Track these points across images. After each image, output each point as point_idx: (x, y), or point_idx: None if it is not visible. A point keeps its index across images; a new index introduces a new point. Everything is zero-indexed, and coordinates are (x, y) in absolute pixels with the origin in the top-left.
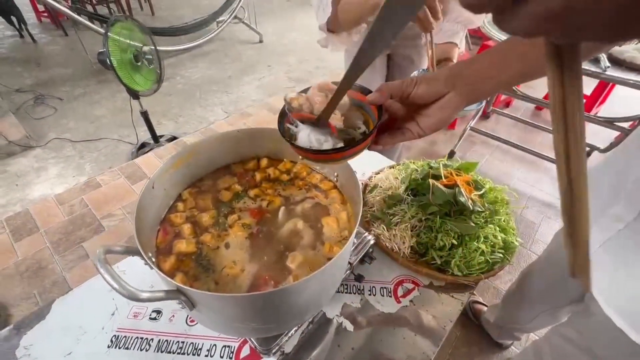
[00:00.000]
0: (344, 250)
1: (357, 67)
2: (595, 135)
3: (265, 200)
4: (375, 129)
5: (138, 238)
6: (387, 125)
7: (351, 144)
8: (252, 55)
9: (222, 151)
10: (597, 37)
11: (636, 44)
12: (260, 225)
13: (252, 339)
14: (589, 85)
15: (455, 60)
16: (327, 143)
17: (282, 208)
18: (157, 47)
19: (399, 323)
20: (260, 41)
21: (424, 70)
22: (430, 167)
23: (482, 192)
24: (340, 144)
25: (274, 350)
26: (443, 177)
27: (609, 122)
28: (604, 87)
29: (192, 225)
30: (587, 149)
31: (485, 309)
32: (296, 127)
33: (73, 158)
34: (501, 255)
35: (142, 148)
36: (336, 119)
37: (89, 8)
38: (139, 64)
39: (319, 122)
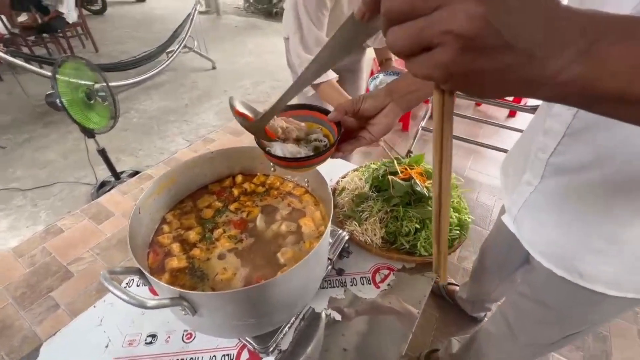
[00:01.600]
0: (323, 240)
1: (295, 89)
2: (522, 121)
3: (245, 211)
4: (337, 139)
5: (135, 257)
6: (344, 136)
7: (319, 153)
8: (206, 83)
9: (199, 173)
10: (477, 95)
11: None
12: (245, 233)
13: (250, 340)
14: None
15: (393, 59)
16: (300, 154)
17: (259, 215)
18: (109, 83)
19: (381, 306)
20: (214, 68)
21: (375, 76)
22: (387, 166)
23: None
24: (311, 154)
25: (271, 349)
26: (399, 172)
27: (532, 108)
28: None
29: (180, 243)
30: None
31: (457, 288)
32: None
33: (25, 207)
34: (457, 232)
35: (102, 187)
36: (300, 132)
37: (25, 50)
38: (92, 101)
39: (259, 125)
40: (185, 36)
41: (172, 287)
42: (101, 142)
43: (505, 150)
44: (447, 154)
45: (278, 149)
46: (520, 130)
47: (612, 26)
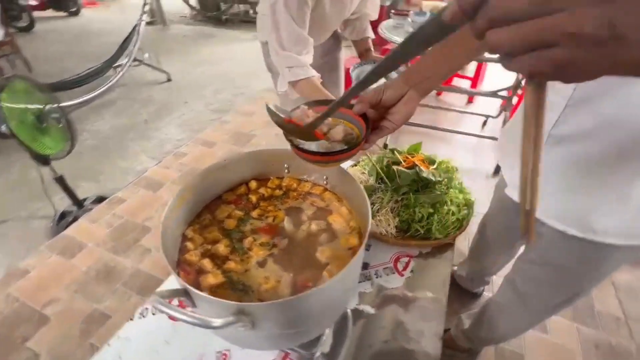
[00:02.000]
0: (364, 239)
1: (351, 94)
2: (488, 105)
3: (270, 216)
4: (369, 130)
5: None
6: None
7: (352, 146)
8: (163, 96)
9: (213, 183)
10: (577, 81)
11: None
12: (277, 238)
13: (295, 348)
14: (471, 68)
15: (372, 49)
16: (334, 149)
17: (285, 218)
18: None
19: (408, 293)
20: (169, 80)
21: (357, 65)
22: (388, 157)
23: (435, 165)
24: (345, 147)
25: (317, 354)
26: (402, 162)
27: (494, 93)
28: (480, 66)
29: (210, 258)
30: (484, 118)
31: (455, 267)
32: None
33: None
34: (466, 211)
35: (62, 218)
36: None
37: None
38: (45, 125)
39: (310, 129)
40: (134, 49)
41: (232, 302)
42: (57, 169)
43: (471, 134)
44: (540, 138)
45: (313, 144)
46: (479, 114)
47: None
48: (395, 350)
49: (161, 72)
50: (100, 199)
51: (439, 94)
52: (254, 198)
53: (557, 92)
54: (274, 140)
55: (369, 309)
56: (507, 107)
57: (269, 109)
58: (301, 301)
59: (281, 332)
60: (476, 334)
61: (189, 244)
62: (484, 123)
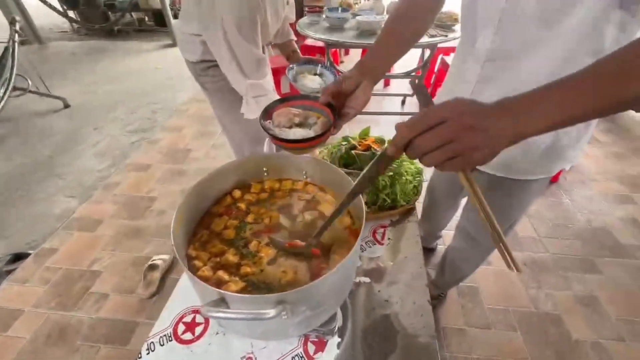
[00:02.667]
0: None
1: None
2: (403, 86)
3: (265, 218)
4: (335, 119)
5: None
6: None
7: (324, 132)
8: (65, 125)
9: (200, 200)
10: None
11: None
12: (279, 235)
13: (316, 327)
14: None
15: (298, 49)
16: (310, 135)
17: (280, 216)
18: None
19: (391, 258)
20: (67, 106)
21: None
22: (343, 144)
23: (386, 144)
24: (320, 132)
25: (335, 329)
26: (357, 146)
27: (406, 74)
28: None
29: (223, 269)
30: (402, 97)
31: None
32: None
33: None
34: (419, 178)
35: None
36: (296, 117)
37: None
38: None
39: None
40: (10, 76)
41: (272, 295)
42: None
43: (394, 113)
44: (483, 199)
45: (290, 134)
46: (398, 95)
47: (519, 109)
48: (394, 307)
49: (54, 99)
50: (17, 257)
51: (387, 82)
52: (243, 205)
53: (470, 71)
54: (213, 151)
55: (365, 279)
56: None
57: (263, 125)
58: (326, 281)
59: (312, 313)
60: (442, 280)
61: (197, 262)
62: (403, 102)
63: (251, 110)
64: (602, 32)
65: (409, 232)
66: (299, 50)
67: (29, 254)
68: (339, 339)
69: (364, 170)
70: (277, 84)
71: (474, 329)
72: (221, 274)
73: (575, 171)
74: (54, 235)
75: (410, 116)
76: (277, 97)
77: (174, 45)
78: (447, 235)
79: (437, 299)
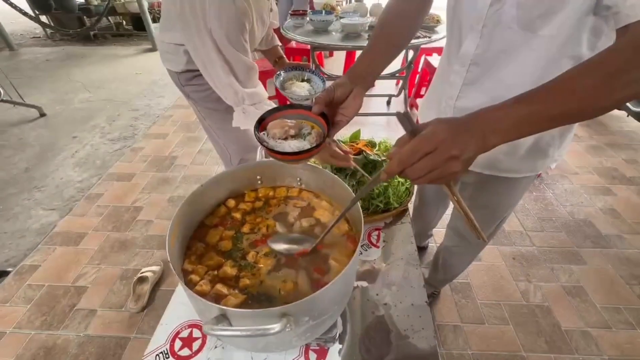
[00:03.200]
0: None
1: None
2: (388, 87)
3: (262, 227)
4: (329, 126)
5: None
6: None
7: (319, 143)
8: (41, 134)
9: (194, 211)
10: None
11: None
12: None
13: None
14: None
15: (284, 55)
16: (305, 147)
17: (277, 224)
18: None
19: (387, 260)
20: (42, 114)
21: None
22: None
23: (377, 147)
24: (308, 146)
25: (336, 336)
26: (349, 150)
27: (392, 75)
28: None
29: (222, 282)
30: (387, 98)
31: None
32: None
33: None
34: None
35: None
36: (291, 129)
37: None
38: None
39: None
40: None
41: (275, 308)
42: None
43: (380, 114)
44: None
45: (286, 146)
46: (383, 95)
47: (490, 126)
48: (393, 309)
49: (28, 108)
50: None
51: None
52: (238, 215)
53: (456, 74)
54: (200, 157)
55: (363, 283)
56: (404, 85)
57: (257, 137)
58: (329, 290)
59: (315, 322)
60: (436, 279)
61: (194, 277)
62: (388, 102)
63: (247, 120)
64: (580, 38)
65: (403, 233)
66: (285, 56)
67: (9, 272)
68: (340, 345)
69: (360, 192)
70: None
71: (468, 324)
72: (220, 287)
73: (556, 166)
74: (35, 251)
75: (395, 115)
76: (272, 104)
77: (154, 49)
78: (438, 233)
79: (431, 297)
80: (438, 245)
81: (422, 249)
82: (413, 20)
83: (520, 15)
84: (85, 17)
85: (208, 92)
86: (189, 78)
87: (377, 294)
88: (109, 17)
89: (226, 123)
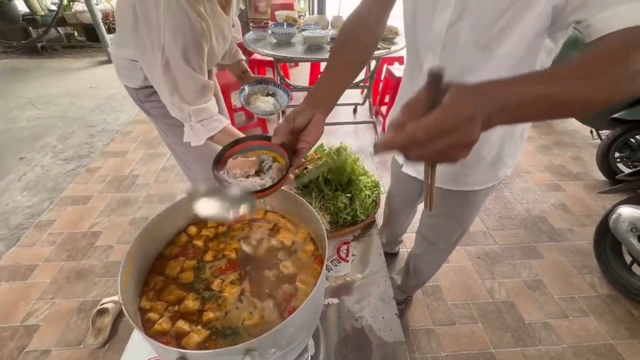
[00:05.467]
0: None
1: None
2: (353, 96)
3: (226, 253)
4: (291, 160)
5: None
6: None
7: (282, 177)
8: None
9: (151, 243)
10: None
11: None
12: (241, 268)
13: None
14: None
15: (248, 69)
16: (268, 183)
17: (241, 249)
18: None
19: (357, 274)
20: None
21: (243, 88)
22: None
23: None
24: (270, 182)
25: (309, 357)
26: (309, 167)
27: (355, 85)
28: None
29: (183, 318)
30: (352, 105)
31: None
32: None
33: None
34: (377, 191)
35: None
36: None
37: None
38: None
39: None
40: None
41: (238, 346)
42: None
43: (347, 123)
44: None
45: (248, 184)
46: (349, 104)
47: (500, 103)
48: (366, 322)
49: None
50: None
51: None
52: (199, 243)
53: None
54: (163, 174)
55: (334, 300)
56: (368, 94)
57: (217, 177)
58: (295, 319)
59: (282, 352)
60: (408, 285)
61: (152, 315)
62: (355, 110)
63: (196, 136)
64: (535, 58)
65: (371, 245)
66: (249, 70)
67: None
68: None
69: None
70: (228, 99)
71: (440, 326)
72: (181, 324)
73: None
74: None
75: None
76: (224, 119)
77: (109, 61)
78: (408, 239)
79: (403, 303)
80: (408, 250)
81: (393, 255)
82: (369, 40)
83: (477, 36)
84: (30, 28)
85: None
86: (148, 94)
87: (348, 310)
88: (59, 28)
89: None
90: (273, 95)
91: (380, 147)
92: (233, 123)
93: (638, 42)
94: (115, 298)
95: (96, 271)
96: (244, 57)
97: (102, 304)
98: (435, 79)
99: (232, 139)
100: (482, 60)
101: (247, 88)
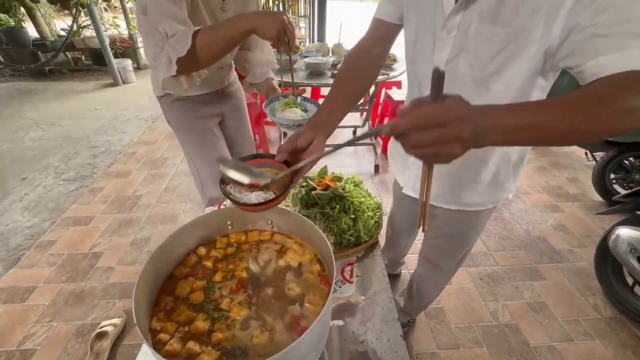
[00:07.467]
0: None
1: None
2: (353, 119)
3: (236, 274)
4: (292, 176)
5: None
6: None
7: (283, 192)
8: None
9: (163, 264)
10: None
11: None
12: (250, 289)
13: None
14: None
15: (277, 87)
16: (271, 197)
17: (250, 269)
18: None
19: (362, 295)
20: None
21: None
22: (303, 186)
23: (343, 182)
24: (273, 196)
25: None
26: (316, 187)
27: (356, 108)
28: None
29: (194, 338)
30: (352, 127)
31: None
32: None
33: None
34: (379, 213)
35: None
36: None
37: None
38: None
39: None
40: None
41: None
42: None
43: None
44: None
45: (252, 197)
46: (348, 127)
47: (487, 128)
48: (370, 345)
49: None
50: None
51: None
52: (209, 263)
53: None
54: (166, 195)
55: (339, 322)
56: (368, 116)
57: (223, 190)
58: (306, 338)
59: None
60: (411, 307)
61: (163, 336)
62: (354, 132)
63: (175, 52)
64: (529, 95)
65: (375, 266)
66: (278, 87)
67: None
68: None
69: (361, 136)
70: (257, 117)
71: (444, 350)
72: (192, 345)
73: None
74: None
75: (363, 146)
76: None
77: (115, 84)
78: (410, 260)
79: (407, 326)
80: (410, 272)
81: (395, 277)
82: (371, 70)
83: (473, 72)
84: (40, 52)
85: (183, 116)
86: (168, 102)
87: (353, 332)
88: (67, 52)
89: (204, 150)
90: (299, 106)
91: (386, 129)
92: (263, 138)
93: (629, 84)
94: (115, 321)
95: (96, 293)
96: (273, 77)
97: (101, 327)
98: (439, 77)
99: (214, 32)
100: (479, 95)
101: (276, 99)
